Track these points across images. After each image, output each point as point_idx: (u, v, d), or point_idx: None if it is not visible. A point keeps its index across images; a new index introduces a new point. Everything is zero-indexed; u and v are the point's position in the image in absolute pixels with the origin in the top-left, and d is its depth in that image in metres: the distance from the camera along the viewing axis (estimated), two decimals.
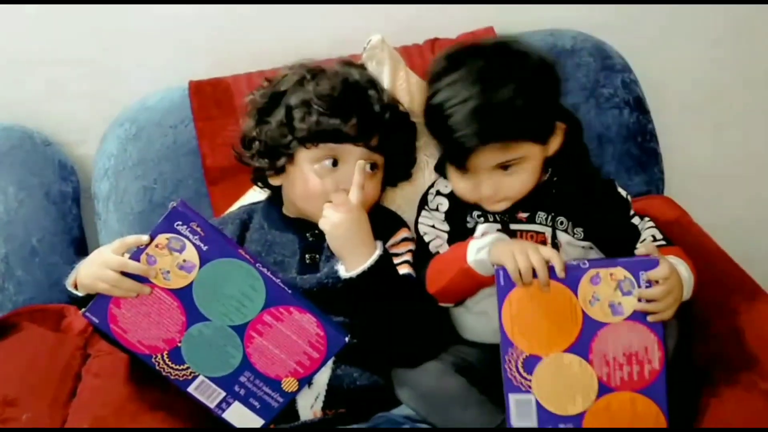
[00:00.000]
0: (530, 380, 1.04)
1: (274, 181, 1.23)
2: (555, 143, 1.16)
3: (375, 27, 1.46)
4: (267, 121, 1.20)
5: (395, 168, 1.24)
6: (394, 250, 1.20)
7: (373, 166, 1.18)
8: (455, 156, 1.12)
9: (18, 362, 1.27)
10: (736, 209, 1.73)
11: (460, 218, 1.19)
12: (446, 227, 1.20)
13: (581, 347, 1.03)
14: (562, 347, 1.03)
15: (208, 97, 1.46)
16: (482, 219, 1.18)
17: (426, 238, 1.21)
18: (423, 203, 1.24)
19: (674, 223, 1.37)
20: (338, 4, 1.54)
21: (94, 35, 1.51)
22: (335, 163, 1.16)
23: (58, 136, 1.54)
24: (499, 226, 1.17)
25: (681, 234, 1.34)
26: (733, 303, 1.19)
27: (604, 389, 1.03)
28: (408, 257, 1.20)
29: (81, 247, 1.49)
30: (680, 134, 1.63)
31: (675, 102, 1.64)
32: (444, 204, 1.21)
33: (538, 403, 1.04)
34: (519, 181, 1.13)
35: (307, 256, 1.20)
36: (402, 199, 1.32)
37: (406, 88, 1.32)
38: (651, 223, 1.21)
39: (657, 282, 1.02)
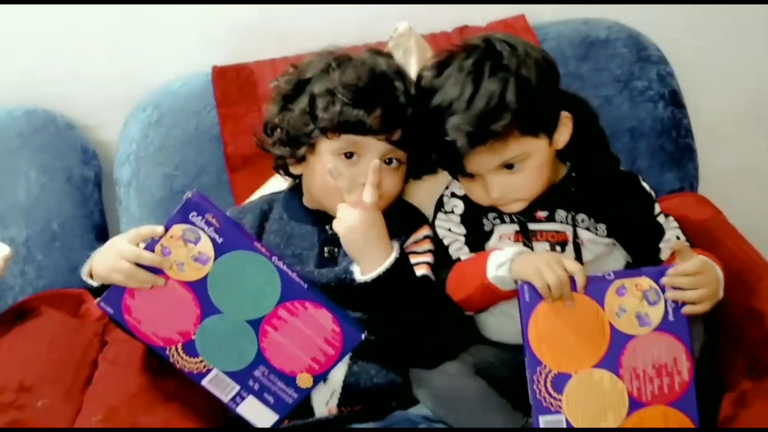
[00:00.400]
0: (560, 400, 1.01)
1: (295, 170, 1.21)
2: (563, 135, 1.11)
3: (403, 13, 1.43)
4: (290, 109, 1.17)
5: (420, 161, 1.20)
6: (414, 248, 1.17)
7: (394, 161, 1.15)
8: (452, 163, 1.10)
9: (36, 348, 1.26)
10: None
11: (476, 220, 1.16)
12: (462, 230, 1.17)
13: (611, 362, 1.00)
14: (592, 363, 1.01)
15: (232, 82, 1.44)
16: (498, 221, 1.15)
17: (445, 242, 1.18)
18: (439, 206, 1.21)
19: (707, 223, 1.33)
20: None
21: (119, 18, 1.50)
22: (350, 155, 1.13)
23: (81, 119, 1.53)
24: (516, 227, 1.14)
25: (714, 234, 1.30)
26: None
27: (635, 404, 1.00)
28: (428, 257, 1.17)
29: (102, 233, 1.48)
30: (717, 130, 1.58)
31: (713, 96, 1.59)
32: (459, 206, 1.18)
33: (568, 422, 1.01)
34: (527, 179, 1.09)
35: (326, 249, 1.18)
36: (425, 193, 1.28)
37: None
38: (675, 224, 1.17)
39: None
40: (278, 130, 1.18)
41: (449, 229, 1.18)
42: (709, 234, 1.29)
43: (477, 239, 1.15)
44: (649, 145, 1.42)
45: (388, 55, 1.22)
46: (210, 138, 1.42)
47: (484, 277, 1.07)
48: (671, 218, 1.17)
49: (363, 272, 1.08)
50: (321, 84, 1.14)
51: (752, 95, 1.63)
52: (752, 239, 1.30)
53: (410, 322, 1.10)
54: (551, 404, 1.00)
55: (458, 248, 1.17)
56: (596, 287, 1.00)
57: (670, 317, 1.01)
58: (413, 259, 1.14)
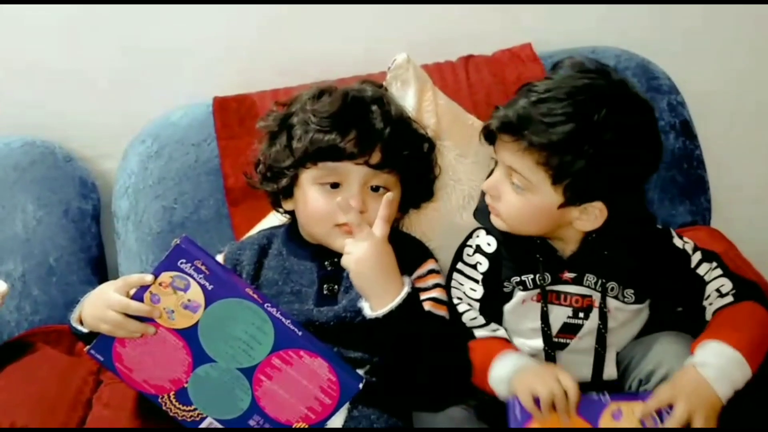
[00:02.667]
0: None
1: (287, 206, 1.20)
2: (590, 220, 1.06)
3: (407, 42, 1.41)
4: (274, 144, 1.18)
5: (412, 189, 1.18)
6: (419, 284, 1.14)
7: (380, 188, 1.13)
8: (487, 132, 1.10)
9: (29, 387, 1.23)
10: None
11: (497, 282, 1.13)
12: (479, 293, 1.14)
13: None
14: None
15: (233, 114, 1.42)
16: (521, 287, 1.12)
17: (459, 309, 1.14)
18: (459, 256, 1.17)
19: (721, 257, 1.28)
20: (368, 19, 1.49)
21: (119, 50, 1.49)
22: (335, 185, 1.12)
23: (81, 150, 1.51)
24: (538, 290, 1.10)
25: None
26: None
27: None
28: (435, 293, 1.13)
29: (99, 266, 1.46)
30: (730, 161, 1.55)
31: (725, 126, 1.56)
32: (484, 264, 1.14)
33: None
34: (515, 206, 1.07)
35: (325, 286, 1.15)
36: (427, 225, 1.26)
37: (433, 110, 1.26)
38: (718, 272, 1.12)
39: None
40: (261, 165, 1.20)
41: (464, 294, 1.15)
42: None
43: (494, 302, 1.13)
44: (660, 177, 1.39)
45: (378, 84, 1.22)
46: (209, 170, 1.39)
47: (487, 380, 1.06)
48: (714, 263, 1.12)
49: (373, 308, 1.05)
50: (299, 116, 1.15)
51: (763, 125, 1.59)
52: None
53: (416, 361, 1.07)
54: None
55: (473, 318, 1.13)
56: (591, 408, 0.98)
57: None
58: (420, 295, 1.11)
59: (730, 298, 1.10)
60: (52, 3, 1.44)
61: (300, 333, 1.01)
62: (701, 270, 1.12)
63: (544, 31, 1.47)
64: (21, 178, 1.42)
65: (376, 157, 1.11)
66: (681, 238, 1.14)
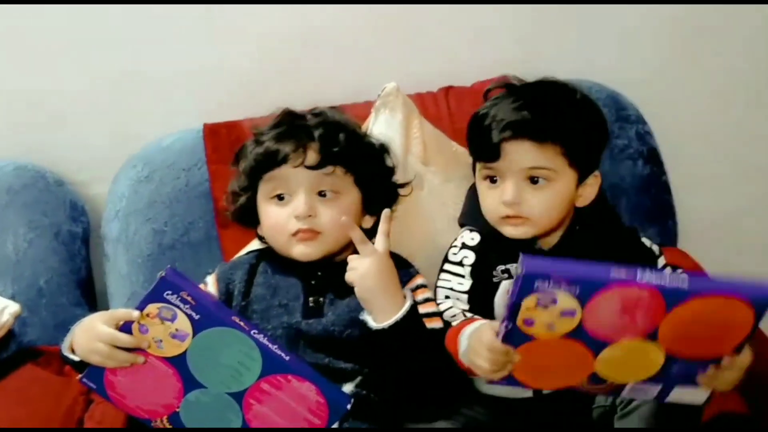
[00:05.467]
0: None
1: (260, 231, 1.24)
2: (589, 192, 1.15)
3: (390, 73, 1.47)
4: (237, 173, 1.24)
5: (371, 191, 1.21)
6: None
7: (328, 193, 1.16)
8: (487, 148, 1.11)
9: (20, 406, 1.25)
10: (750, 263, 1.71)
11: (486, 273, 1.17)
12: (466, 285, 1.17)
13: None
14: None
15: (223, 140, 1.46)
16: (506, 275, 1.16)
17: (441, 307, 1.17)
18: (445, 259, 1.21)
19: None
20: (354, 51, 1.54)
21: (110, 75, 1.52)
22: (281, 198, 1.17)
23: (71, 175, 1.54)
24: None
25: None
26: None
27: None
28: (428, 307, 1.17)
29: (88, 289, 1.48)
30: (695, 186, 1.63)
31: (689, 153, 1.64)
32: (470, 257, 1.18)
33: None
34: (543, 200, 1.11)
35: (310, 299, 1.18)
36: (413, 246, 1.31)
37: (420, 137, 1.32)
38: (684, 276, 1.18)
39: None
40: (227, 195, 1.26)
41: (451, 289, 1.18)
42: None
43: (483, 293, 1.16)
44: (630, 201, 1.47)
45: (337, 108, 1.28)
46: (199, 194, 1.43)
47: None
48: (680, 270, 1.19)
49: (377, 320, 1.09)
50: (249, 141, 1.22)
51: (730, 152, 1.69)
52: None
53: (411, 373, 1.10)
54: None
55: (453, 315, 1.16)
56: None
57: None
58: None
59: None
60: (45, 30, 1.47)
61: (288, 358, 1.03)
62: (667, 272, 1.18)
63: (520, 64, 1.54)
64: (13, 201, 1.44)
65: (311, 158, 1.14)
66: (648, 239, 1.21)
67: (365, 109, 1.42)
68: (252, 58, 1.53)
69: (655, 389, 1.02)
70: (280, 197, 1.17)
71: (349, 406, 1.04)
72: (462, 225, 1.23)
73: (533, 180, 1.11)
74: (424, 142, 1.31)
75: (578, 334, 0.95)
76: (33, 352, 1.37)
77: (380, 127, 1.31)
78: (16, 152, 1.51)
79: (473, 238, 1.19)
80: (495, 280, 1.17)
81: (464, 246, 1.19)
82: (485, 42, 1.57)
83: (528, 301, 0.92)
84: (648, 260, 1.18)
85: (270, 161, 1.15)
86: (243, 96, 1.53)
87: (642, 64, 1.61)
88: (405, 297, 1.10)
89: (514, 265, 1.16)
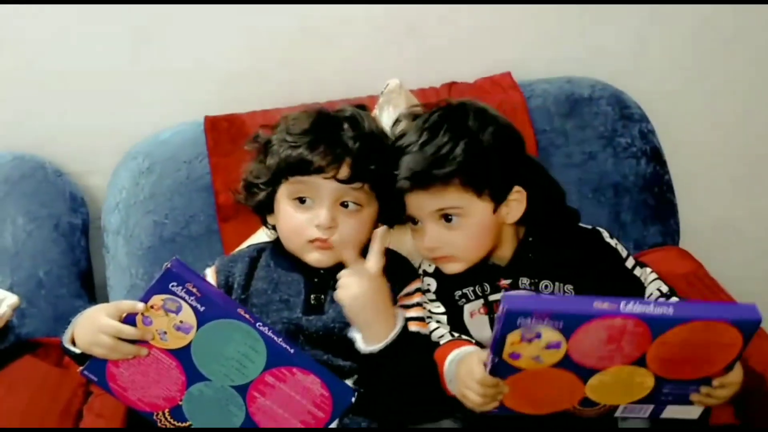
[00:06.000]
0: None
1: (271, 220, 1.23)
2: (513, 210, 1.12)
3: (392, 68, 1.47)
4: (256, 162, 1.22)
5: (389, 204, 1.19)
6: (405, 301, 1.18)
7: (351, 204, 1.15)
8: (398, 204, 1.12)
9: (20, 397, 1.24)
10: (751, 262, 1.71)
11: (450, 298, 1.16)
12: (441, 308, 1.17)
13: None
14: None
15: (224, 133, 1.45)
16: (464, 300, 1.15)
17: (430, 327, 1.16)
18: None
19: (690, 276, 1.36)
20: (356, 45, 1.54)
21: (109, 66, 1.51)
22: (303, 200, 1.15)
23: (70, 166, 1.53)
24: (482, 301, 1.15)
25: (696, 287, 1.33)
26: (750, 360, 1.16)
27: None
28: (417, 311, 1.17)
29: (87, 280, 1.47)
30: (696, 186, 1.63)
31: (692, 153, 1.64)
32: (432, 284, 1.18)
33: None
34: (462, 237, 1.10)
35: (312, 296, 1.18)
36: (412, 246, 1.29)
37: None
38: (654, 275, 1.18)
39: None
40: (243, 182, 1.23)
41: (431, 311, 1.18)
42: (692, 287, 1.32)
43: (454, 317, 1.16)
44: (633, 200, 1.46)
45: (360, 105, 1.25)
46: (200, 187, 1.42)
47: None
48: (648, 269, 1.17)
49: (366, 340, 1.08)
50: (277, 135, 1.19)
51: (731, 153, 1.68)
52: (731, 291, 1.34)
53: (404, 380, 1.10)
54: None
55: (440, 335, 1.15)
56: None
57: None
58: (405, 313, 1.14)
59: (676, 299, 1.15)
60: (46, 21, 1.46)
61: (292, 351, 1.02)
62: (636, 272, 1.17)
63: (523, 61, 1.54)
64: (11, 192, 1.43)
65: (344, 172, 1.13)
66: (612, 237, 1.18)
67: (367, 103, 1.40)
68: (253, 52, 1.52)
69: (647, 408, 1.03)
70: (301, 200, 1.15)
71: (353, 399, 1.04)
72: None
73: (447, 218, 1.10)
74: None
75: (565, 364, 0.96)
76: (31, 344, 1.36)
77: (384, 124, 1.30)
78: (15, 143, 1.50)
79: (430, 264, 1.19)
80: (459, 304, 1.16)
81: (425, 273, 1.19)
82: (488, 38, 1.56)
83: (512, 336, 0.93)
84: (613, 261, 1.16)
85: (302, 169, 1.13)
86: (244, 89, 1.52)
87: (646, 63, 1.61)
88: (396, 317, 1.10)
89: (470, 288, 1.15)
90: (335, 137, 1.14)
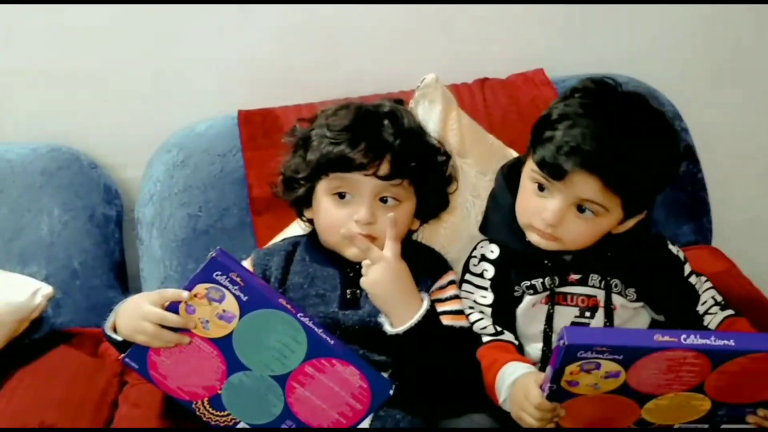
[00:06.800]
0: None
1: (308, 214, 1.24)
2: (630, 225, 1.14)
3: (425, 64, 1.46)
4: (294, 156, 1.22)
5: (427, 199, 1.21)
6: (439, 295, 1.18)
7: (389, 200, 1.16)
8: (553, 167, 1.09)
9: (55, 387, 1.26)
10: None
11: (507, 287, 1.17)
12: (489, 299, 1.18)
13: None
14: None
15: (257, 127, 1.46)
16: (531, 290, 1.16)
17: (471, 318, 1.18)
18: (466, 268, 1.22)
19: (723, 275, 1.36)
20: (388, 41, 1.54)
21: (144, 60, 1.52)
22: (342, 196, 1.15)
23: (104, 158, 1.54)
24: (546, 293, 1.15)
25: (729, 285, 1.33)
26: None
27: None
28: (454, 305, 1.18)
29: (121, 271, 1.49)
30: (728, 185, 1.62)
31: (724, 152, 1.63)
32: (490, 271, 1.18)
33: None
34: (583, 230, 1.11)
35: (348, 291, 1.19)
36: (446, 239, 1.31)
37: (457, 129, 1.31)
38: (709, 284, 1.19)
39: None
40: (281, 176, 1.23)
41: (475, 302, 1.18)
42: (726, 286, 1.31)
43: (505, 307, 1.16)
44: (666, 198, 1.44)
45: (398, 101, 1.25)
46: (234, 180, 1.43)
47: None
48: (703, 277, 1.19)
49: (393, 325, 1.09)
50: (316, 130, 1.19)
51: (763, 151, 1.68)
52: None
53: (436, 373, 1.10)
54: None
55: (483, 327, 1.16)
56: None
57: None
58: (439, 308, 1.15)
59: (731, 311, 1.17)
60: (82, 14, 1.47)
61: (332, 342, 1.03)
62: (692, 280, 1.19)
63: (556, 57, 1.54)
64: (47, 183, 1.44)
65: (384, 169, 1.13)
66: (674, 245, 1.21)
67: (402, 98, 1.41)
68: (288, 47, 1.53)
69: (702, 429, 1.03)
70: (341, 195, 1.16)
71: (391, 392, 1.05)
72: (486, 233, 1.23)
73: (580, 208, 1.10)
74: (461, 133, 1.31)
75: (623, 390, 0.98)
76: (66, 334, 1.37)
77: (419, 118, 1.31)
78: (50, 135, 1.52)
79: (492, 251, 1.19)
80: (516, 294, 1.17)
81: (483, 258, 1.19)
82: (521, 34, 1.57)
83: (571, 367, 0.95)
84: (674, 267, 1.19)
85: (343, 166, 1.14)
86: (277, 84, 1.53)
87: (679, 61, 1.60)
88: (422, 300, 1.10)
89: (540, 280, 1.16)
90: (376, 134, 1.15)
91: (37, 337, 1.35)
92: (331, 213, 1.16)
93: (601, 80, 1.17)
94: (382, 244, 1.12)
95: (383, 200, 1.15)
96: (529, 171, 1.14)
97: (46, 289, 1.32)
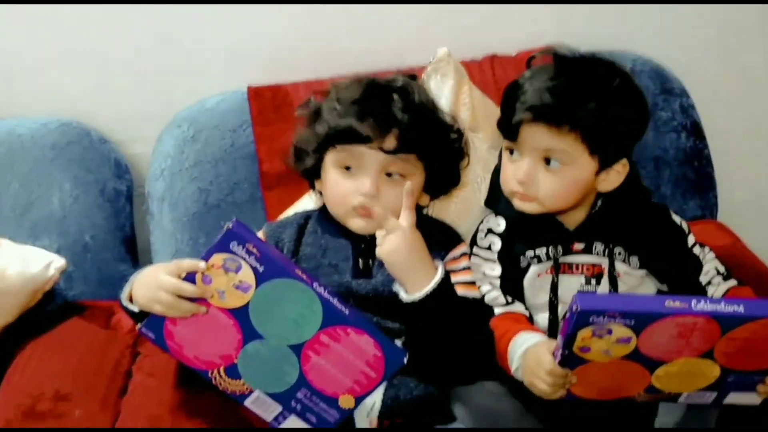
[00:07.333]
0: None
1: (318, 185, 1.24)
2: (614, 178, 1.14)
3: (434, 40, 1.47)
4: (305, 128, 1.22)
5: (437, 176, 1.21)
6: (452, 266, 1.19)
7: (395, 175, 1.16)
8: (508, 127, 1.13)
9: (69, 358, 1.27)
10: None
11: (513, 258, 1.18)
12: (498, 270, 1.19)
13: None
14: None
15: (268, 102, 1.47)
16: (536, 260, 1.17)
17: (482, 290, 1.19)
18: (473, 242, 1.23)
19: (730, 249, 1.37)
20: (397, 16, 1.54)
21: (154, 36, 1.52)
22: (349, 168, 1.16)
23: (113, 133, 1.54)
24: (551, 263, 1.17)
25: (735, 259, 1.34)
26: None
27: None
28: (466, 275, 1.19)
29: (132, 246, 1.49)
30: (734, 161, 1.63)
31: (732, 129, 1.64)
32: (497, 243, 1.20)
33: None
34: (554, 183, 1.12)
35: (360, 261, 1.20)
36: (457, 213, 1.32)
37: (469, 103, 1.32)
38: (712, 255, 1.21)
39: None
40: (293, 148, 1.24)
41: (484, 273, 1.20)
42: (731, 260, 1.32)
43: (513, 278, 1.18)
44: (673, 173, 1.48)
45: (411, 75, 1.25)
46: (245, 155, 1.44)
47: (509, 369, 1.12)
48: (707, 248, 1.20)
49: (409, 292, 1.09)
50: (327, 103, 1.19)
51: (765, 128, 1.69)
52: None
53: (450, 341, 1.12)
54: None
55: (494, 297, 1.18)
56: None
57: None
58: (452, 278, 1.15)
59: (734, 282, 1.18)
60: None
61: (347, 311, 1.04)
62: (696, 251, 1.20)
63: (564, 34, 1.53)
64: (58, 157, 1.45)
65: (390, 143, 1.13)
66: (677, 215, 1.22)
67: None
68: (297, 23, 1.53)
69: (711, 396, 1.05)
70: (348, 168, 1.16)
71: (405, 361, 1.06)
72: (490, 206, 1.25)
73: (548, 161, 1.12)
74: (473, 108, 1.32)
75: (634, 356, 0.99)
76: (78, 307, 1.39)
77: (431, 92, 1.31)
78: (60, 110, 1.52)
79: (499, 223, 1.20)
80: (522, 265, 1.18)
81: (490, 231, 1.21)
82: (529, 11, 1.57)
83: (583, 332, 0.96)
84: (677, 236, 1.20)
85: (349, 138, 1.14)
86: (288, 60, 1.53)
87: (687, 38, 1.61)
88: (436, 268, 1.11)
89: (543, 249, 1.17)
90: (384, 108, 1.15)
91: (50, 309, 1.36)
92: (338, 185, 1.17)
93: (555, 49, 1.19)
94: (383, 219, 1.13)
95: (389, 175, 1.16)
96: (502, 141, 1.18)
97: (59, 261, 1.33)
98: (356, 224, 1.17)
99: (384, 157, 1.14)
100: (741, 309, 0.95)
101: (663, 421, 1.10)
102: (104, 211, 1.45)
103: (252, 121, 1.45)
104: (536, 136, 1.11)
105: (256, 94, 1.48)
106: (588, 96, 1.09)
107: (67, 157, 1.46)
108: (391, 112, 1.14)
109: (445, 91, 1.31)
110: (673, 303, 0.94)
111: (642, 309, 0.95)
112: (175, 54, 1.54)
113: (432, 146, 1.18)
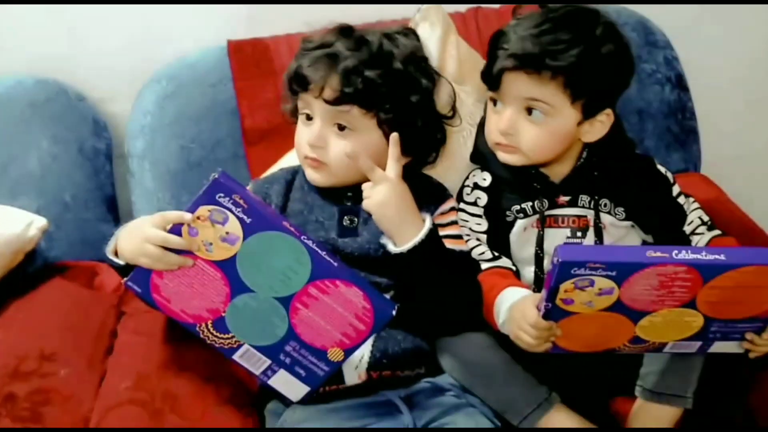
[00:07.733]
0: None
1: None
2: (598, 128, 1.14)
3: None
4: None
5: (406, 137, 1.14)
6: (441, 220, 1.19)
7: (344, 128, 1.13)
8: (489, 75, 1.14)
9: (53, 318, 1.25)
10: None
11: (499, 213, 1.18)
12: (484, 225, 1.19)
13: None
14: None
15: (248, 57, 1.44)
16: (521, 215, 1.18)
17: (469, 244, 1.19)
18: (459, 197, 1.23)
19: (713, 202, 1.38)
20: None
21: None
22: (310, 118, 1.15)
23: (91, 91, 1.51)
24: (537, 216, 1.17)
25: (719, 212, 1.35)
26: None
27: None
28: (455, 229, 1.19)
29: (113, 205, 1.47)
30: (717, 114, 1.63)
31: (711, 81, 1.64)
32: (483, 198, 1.20)
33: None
34: (536, 133, 1.12)
35: (345, 218, 1.19)
36: (443, 167, 1.30)
37: (456, 56, 1.31)
38: (696, 205, 1.22)
39: None
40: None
41: (470, 229, 1.20)
42: (715, 212, 1.33)
43: (500, 233, 1.18)
44: (656, 126, 1.47)
45: (404, 33, 1.19)
46: (226, 111, 1.42)
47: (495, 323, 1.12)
48: (691, 198, 1.21)
49: (397, 244, 1.09)
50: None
51: (751, 85, 1.69)
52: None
53: (437, 293, 1.12)
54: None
55: (480, 252, 1.18)
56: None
57: None
58: (440, 232, 1.15)
59: (717, 231, 1.19)
60: None
61: (336, 264, 1.03)
62: (680, 200, 1.21)
63: None
64: (35, 115, 1.41)
65: (328, 93, 1.11)
66: (662, 166, 1.23)
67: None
68: None
69: (695, 345, 1.06)
70: (308, 117, 1.16)
71: (394, 313, 1.06)
72: (476, 162, 1.24)
73: (530, 111, 1.12)
74: (459, 60, 1.30)
75: (617, 308, 0.99)
76: (61, 267, 1.37)
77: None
78: (36, 68, 1.47)
79: (485, 178, 1.20)
80: (509, 219, 1.18)
81: (476, 186, 1.21)
82: None
83: (566, 285, 0.96)
84: (662, 186, 1.21)
85: (298, 84, 1.14)
86: (269, 13, 1.50)
87: None
88: (424, 221, 1.10)
89: (529, 203, 1.17)
90: (331, 55, 1.12)
91: (32, 270, 1.34)
92: (297, 134, 1.17)
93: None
94: (338, 171, 1.13)
95: (341, 128, 1.13)
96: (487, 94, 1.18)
97: (40, 221, 1.30)
98: (309, 175, 1.17)
99: (327, 108, 1.12)
100: (722, 257, 0.95)
101: (648, 370, 1.11)
102: (84, 170, 1.43)
103: (233, 76, 1.42)
104: (518, 84, 1.11)
105: (236, 49, 1.45)
106: (570, 43, 1.09)
107: (44, 114, 1.42)
108: (336, 60, 1.11)
109: (433, 40, 1.29)
110: (654, 253, 0.94)
111: (623, 259, 0.95)
112: (152, 9, 1.49)
113: (378, 101, 1.12)
